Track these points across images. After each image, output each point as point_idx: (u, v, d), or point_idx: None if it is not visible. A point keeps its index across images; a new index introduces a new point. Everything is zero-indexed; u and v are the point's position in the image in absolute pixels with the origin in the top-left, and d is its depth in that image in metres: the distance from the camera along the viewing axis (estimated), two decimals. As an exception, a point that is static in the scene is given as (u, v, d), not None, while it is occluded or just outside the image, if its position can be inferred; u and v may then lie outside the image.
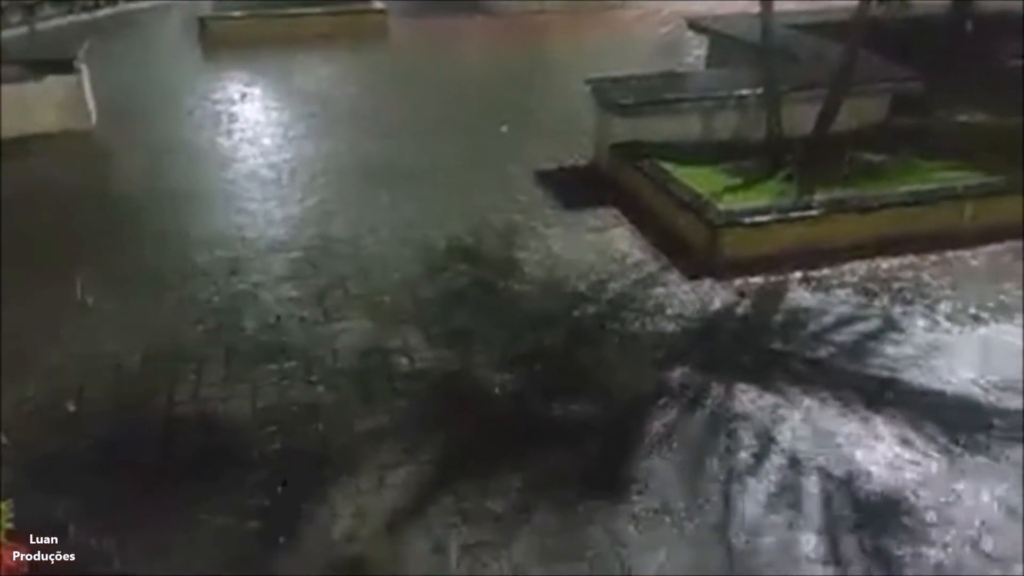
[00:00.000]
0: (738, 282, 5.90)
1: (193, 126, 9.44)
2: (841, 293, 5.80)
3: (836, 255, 6.13)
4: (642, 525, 3.93)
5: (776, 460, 4.31)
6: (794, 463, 4.29)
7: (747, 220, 6.21)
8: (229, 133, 9.17)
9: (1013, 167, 6.79)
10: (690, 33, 11.36)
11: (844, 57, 7.07)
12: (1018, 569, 3.71)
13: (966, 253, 6.25)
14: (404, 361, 5.11)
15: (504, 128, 9.03)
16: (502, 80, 11.34)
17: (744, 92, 7.73)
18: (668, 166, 7.08)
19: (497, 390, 4.88)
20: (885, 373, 5.00)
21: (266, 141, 8.90)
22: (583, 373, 5.06)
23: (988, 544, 3.81)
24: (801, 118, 7.27)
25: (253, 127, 9.35)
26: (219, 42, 13.12)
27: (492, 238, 6.57)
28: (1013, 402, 4.72)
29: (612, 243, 6.51)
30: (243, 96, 10.48)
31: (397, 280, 5.99)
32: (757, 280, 5.94)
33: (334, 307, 5.66)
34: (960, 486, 4.14)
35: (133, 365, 5.07)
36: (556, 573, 3.70)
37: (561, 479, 4.21)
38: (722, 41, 10.33)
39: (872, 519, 3.96)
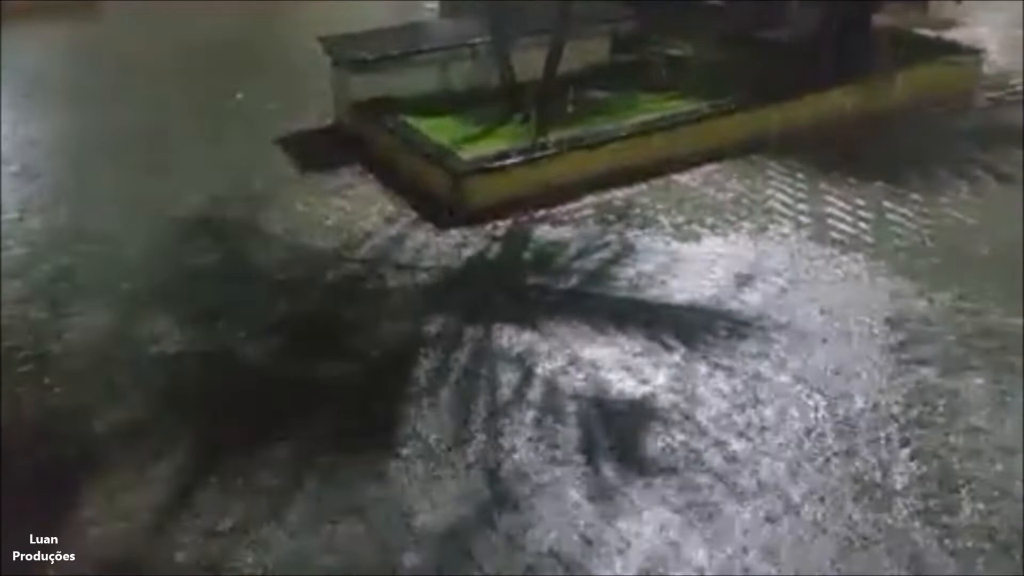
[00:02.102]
0: (487, 226, 6.08)
1: None
2: (583, 226, 6.13)
3: (574, 190, 6.46)
4: (412, 471, 4.02)
5: (535, 389, 4.54)
6: (551, 389, 4.53)
7: (489, 166, 6.38)
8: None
9: (720, 94, 7.43)
10: (422, -15, 11.35)
11: (563, 1, 7.35)
12: (738, 444, 4.16)
13: (687, 175, 6.79)
14: (152, 348, 4.84)
15: (240, 95, 8.62)
16: (233, 46, 10.76)
17: (476, 41, 7.85)
18: (409, 119, 7.10)
19: (255, 363, 4.75)
20: (627, 293, 5.38)
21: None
22: (341, 334, 5.04)
23: (720, 432, 4.25)
24: (532, 63, 7.51)
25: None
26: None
27: (235, 208, 6.31)
28: (735, 305, 5.23)
29: (359, 201, 6.45)
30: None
31: (135, 262, 5.63)
32: (504, 223, 6.14)
33: (63, 300, 5.23)
34: (696, 385, 4.57)
35: None
36: (333, 532, 3.71)
37: (329, 440, 4.21)
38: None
39: (623, 427, 4.28)
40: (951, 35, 9.24)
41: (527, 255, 5.87)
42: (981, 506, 3.83)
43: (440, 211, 6.22)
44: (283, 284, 5.44)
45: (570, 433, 4.26)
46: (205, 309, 5.16)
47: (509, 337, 4.93)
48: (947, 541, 3.66)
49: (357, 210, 6.32)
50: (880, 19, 8.55)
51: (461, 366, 4.71)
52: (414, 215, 6.25)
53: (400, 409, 4.40)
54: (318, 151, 7.32)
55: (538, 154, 6.56)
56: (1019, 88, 8.44)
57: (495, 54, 7.52)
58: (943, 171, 6.88)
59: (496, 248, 5.91)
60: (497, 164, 6.41)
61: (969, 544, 3.65)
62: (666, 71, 8.21)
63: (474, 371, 4.67)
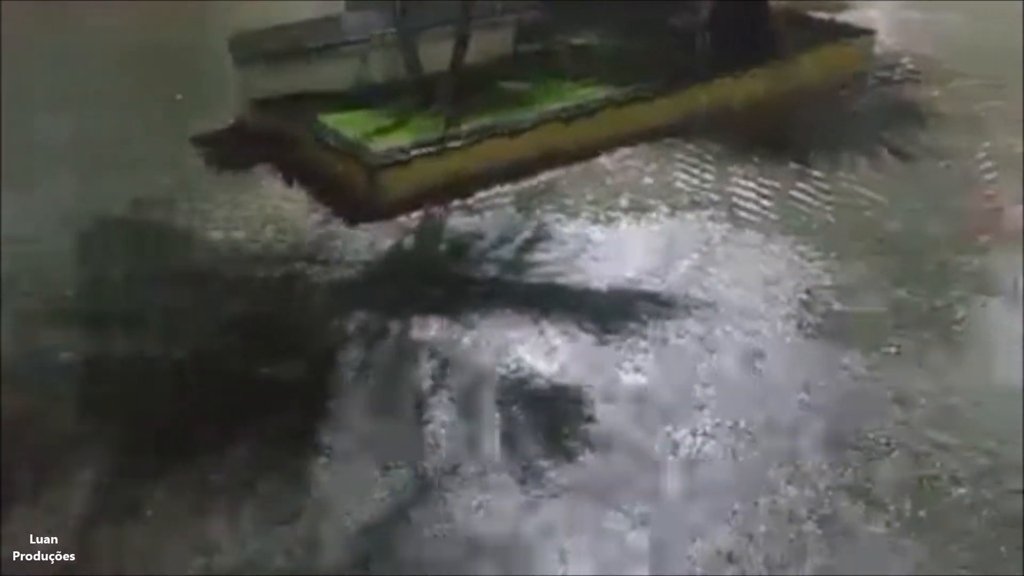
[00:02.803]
0: (402, 219, 6.01)
1: None
2: (499, 213, 6.13)
3: (489, 178, 6.45)
4: (345, 467, 3.96)
5: (458, 379, 4.51)
6: (474, 378, 4.52)
7: (401, 158, 6.31)
8: None
9: (628, 81, 7.52)
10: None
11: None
12: (661, 421, 4.22)
13: (601, 161, 6.85)
14: (67, 358, 4.62)
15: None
16: (148, 46, 10.35)
17: (382, 34, 7.75)
18: (319, 115, 6.96)
19: (172, 367, 4.59)
20: (546, 279, 5.40)
21: None
22: (264, 335, 4.92)
23: (642, 411, 4.31)
24: (439, 55, 7.45)
25: None
26: None
27: (149, 214, 6.09)
28: (652, 286, 5.31)
29: (273, 201, 6.31)
30: None
31: (49, 274, 5.36)
32: (420, 214, 6.08)
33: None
34: (617, 365, 4.61)
35: None
36: (273, 535, 3.63)
37: (253, 442, 4.10)
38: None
39: (547, 412, 4.30)
40: (843, 17, 9.58)
41: (444, 245, 5.84)
42: (891, 471, 3.95)
43: (354, 206, 6.12)
44: (201, 289, 5.27)
45: (494, 421, 4.25)
46: (119, 312, 4.98)
47: (430, 329, 4.89)
48: (866, 507, 3.77)
49: (268, 208, 6.17)
50: (776, 4, 8.79)
51: (382, 360, 4.66)
52: (327, 210, 6.13)
53: (324, 406, 4.31)
54: (231, 151, 7.10)
55: (450, 144, 6.52)
56: (909, 67, 8.80)
57: (401, 47, 7.45)
58: (844, 149, 7.12)
59: (412, 240, 5.86)
60: (409, 156, 6.34)
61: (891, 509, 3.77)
62: (573, 60, 8.28)
63: (395, 364, 4.63)
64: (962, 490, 3.85)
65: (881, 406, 4.34)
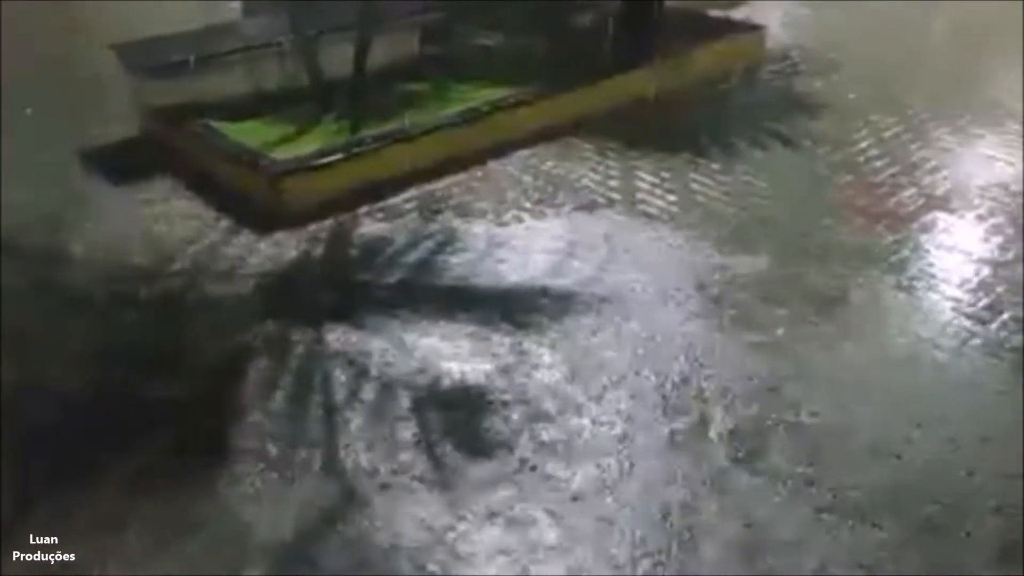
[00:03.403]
0: (309, 228, 5.99)
1: None
2: (406, 219, 6.16)
3: (395, 184, 6.48)
4: (253, 484, 3.94)
5: (370, 387, 4.54)
6: (387, 387, 4.55)
7: (305, 166, 6.29)
8: None
9: (531, 81, 7.64)
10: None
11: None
12: (572, 415, 4.34)
13: (504, 161, 6.95)
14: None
15: (29, 110, 8.03)
16: (19, 55, 9.99)
17: (280, 40, 7.69)
18: (217, 124, 6.88)
19: (74, 391, 4.49)
20: (455, 281, 5.47)
21: None
22: (165, 353, 4.85)
23: (554, 406, 4.42)
24: (340, 59, 7.44)
25: None
26: None
27: (38, 234, 5.91)
28: (559, 283, 5.43)
29: (173, 215, 6.20)
30: None
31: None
32: (326, 223, 6.07)
33: None
34: (528, 363, 4.72)
35: None
36: (172, 554, 3.59)
37: (162, 465, 4.05)
38: (254, -11, 10.11)
39: (460, 414, 4.37)
40: (736, 13, 9.92)
41: (352, 253, 5.84)
42: (786, 452, 4.16)
43: (258, 216, 6.07)
44: (98, 309, 5.16)
45: (408, 426, 4.30)
46: (12, 336, 4.81)
47: (340, 337, 4.90)
48: (757, 480, 3.98)
49: (169, 222, 6.07)
50: (671, 1, 9.05)
51: (293, 372, 4.65)
52: (231, 223, 6.07)
53: (235, 422, 4.29)
54: (124, 165, 6.94)
55: (354, 151, 6.52)
56: (797, 60, 9.18)
57: (300, 52, 7.40)
58: (739, 141, 7.39)
59: (319, 249, 5.84)
60: (313, 164, 6.32)
61: (781, 485, 3.97)
62: (477, 61, 8.37)
63: (307, 376, 4.62)
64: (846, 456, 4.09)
65: (774, 383, 4.56)
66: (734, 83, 8.60)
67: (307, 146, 6.53)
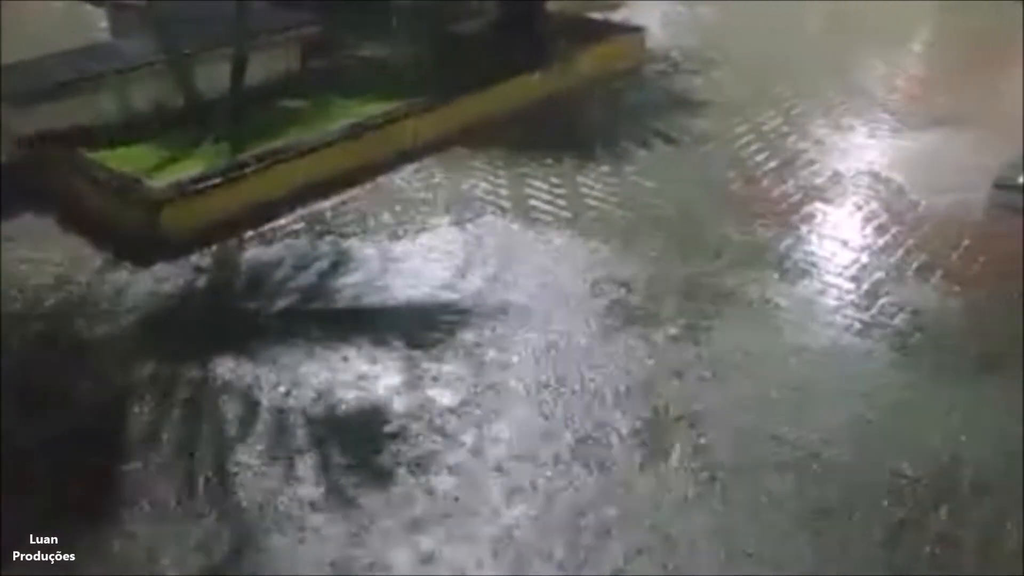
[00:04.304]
0: (191, 258, 5.77)
1: None
2: (294, 241, 6.01)
3: (281, 206, 6.31)
4: (141, 533, 3.76)
5: (264, 419, 4.40)
6: (280, 415, 4.42)
7: (185, 192, 6.06)
8: None
9: (417, 92, 7.57)
10: (88, 5, 10.46)
11: (237, 11, 7.10)
12: (473, 432, 4.32)
13: (393, 176, 6.87)
14: None
15: None
16: None
17: (152, 61, 7.39)
18: (89, 152, 6.56)
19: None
20: (348, 303, 5.37)
21: None
22: (45, 397, 4.59)
23: (455, 425, 4.38)
24: (217, 78, 7.21)
25: None
26: None
27: None
28: (455, 296, 5.40)
29: (44, 248, 5.86)
30: None
31: None
32: (211, 250, 5.87)
33: None
34: (426, 382, 4.66)
35: None
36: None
37: (48, 514, 3.82)
38: (122, 9, 9.70)
39: (360, 440, 4.28)
40: (615, 15, 10.09)
41: (239, 281, 5.66)
42: (692, 448, 4.23)
43: (137, 248, 5.81)
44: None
45: (305, 457, 4.19)
46: None
47: (230, 370, 4.74)
48: (663, 483, 4.03)
49: (42, 258, 5.74)
50: (552, 5, 9.14)
51: (181, 411, 4.46)
52: (110, 255, 5.79)
53: (123, 466, 4.08)
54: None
55: (236, 173, 6.31)
56: (677, 60, 9.39)
57: (175, 72, 7.14)
58: (625, 142, 7.51)
59: (203, 279, 5.63)
60: (193, 189, 6.09)
61: (685, 482, 4.04)
62: (361, 74, 8.24)
63: (195, 415, 4.44)
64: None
65: (665, 379, 4.64)
66: (618, 85, 8.72)
67: (186, 171, 6.29)
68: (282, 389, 4.61)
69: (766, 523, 3.82)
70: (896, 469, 4.08)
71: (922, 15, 10.92)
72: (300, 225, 6.17)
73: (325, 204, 6.43)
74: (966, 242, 5.93)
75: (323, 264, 5.75)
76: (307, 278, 5.62)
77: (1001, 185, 6.47)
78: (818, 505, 3.91)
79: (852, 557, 3.68)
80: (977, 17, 10.40)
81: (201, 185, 6.12)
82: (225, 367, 4.76)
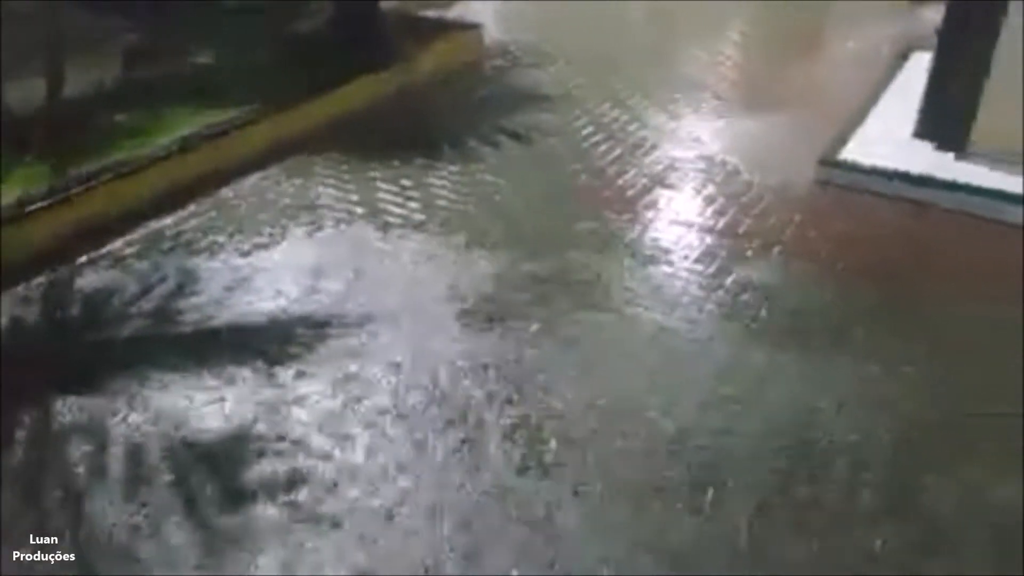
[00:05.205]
0: (17, 289, 5.33)
1: None
2: (133, 263, 5.67)
3: (116, 227, 5.95)
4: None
5: (118, 455, 4.14)
6: (135, 449, 4.17)
7: (6, 218, 5.58)
8: None
9: (254, 98, 7.30)
10: None
11: (45, 20, 6.61)
12: (342, 446, 4.22)
13: (235, 188, 6.61)
14: None
15: None
16: None
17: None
18: None
19: None
20: (199, 324, 5.11)
21: None
22: None
23: (320, 441, 4.26)
24: (32, 91, 6.69)
25: None
26: None
27: None
28: (311, 307, 5.25)
29: None
30: None
31: None
32: (40, 279, 5.45)
33: None
34: (289, 399, 4.51)
35: None
36: None
37: None
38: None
39: (223, 465, 4.10)
40: (449, 13, 10.10)
41: (74, 310, 5.27)
42: (566, 445, 4.30)
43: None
44: None
45: (167, 490, 3.96)
46: None
47: (75, 409, 4.41)
48: (541, 482, 4.08)
49: None
50: (386, 4, 9.03)
51: (19, 460, 4.12)
52: (-79, 295, 5.28)
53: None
54: None
55: (61, 194, 5.88)
56: (516, 55, 9.51)
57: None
58: (471, 139, 7.53)
59: (34, 311, 5.22)
60: (14, 215, 5.63)
61: (561, 476, 4.09)
62: (193, 81, 7.87)
63: (35, 462, 4.11)
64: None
65: (528, 376, 4.69)
66: (460, 82, 8.73)
67: (5, 195, 5.80)
68: (135, 421, 4.34)
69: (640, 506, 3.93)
70: (759, 441, 4.29)
71: (739, 11, 11.54)
72: (138, 246, 5.83)
73: (166, 221, 6.10)
74: (797, 217, 6.31)
75: (169, 285, 5.45)
76: (152, 301, 5.31)
77: (825, 162, 6.93)
78: (690, 479, 4.05)
79: (726, 527, 3.84)
80: (791, 11, 11.15)
81: (24, 210, 5.67)
82: (66, 407, 4.42)
